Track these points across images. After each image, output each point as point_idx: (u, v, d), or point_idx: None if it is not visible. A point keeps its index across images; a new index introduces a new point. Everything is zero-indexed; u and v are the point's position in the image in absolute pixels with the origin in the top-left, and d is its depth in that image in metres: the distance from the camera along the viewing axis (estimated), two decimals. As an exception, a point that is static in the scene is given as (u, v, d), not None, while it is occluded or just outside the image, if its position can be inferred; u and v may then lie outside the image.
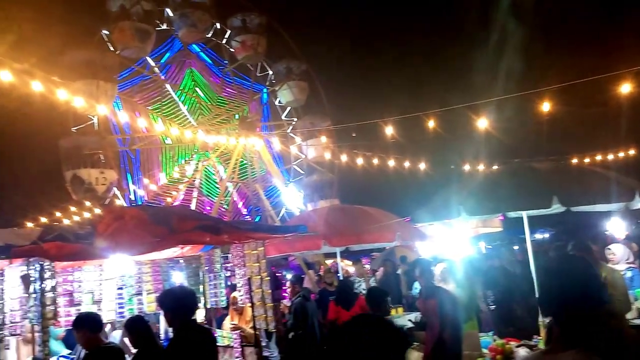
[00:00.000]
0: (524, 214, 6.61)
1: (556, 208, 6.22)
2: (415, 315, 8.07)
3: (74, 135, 21.75)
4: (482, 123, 8.21)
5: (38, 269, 5.45)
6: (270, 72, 27.60)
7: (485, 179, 8.08)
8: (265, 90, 28.04)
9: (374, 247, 13.62)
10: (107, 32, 22.99)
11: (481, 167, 9.98)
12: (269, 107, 28.71)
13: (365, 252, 16.35)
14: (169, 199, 24.92)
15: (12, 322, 6.47)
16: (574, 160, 10.38)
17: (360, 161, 12.84)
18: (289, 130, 28.06)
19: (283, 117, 28.57)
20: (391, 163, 12.38)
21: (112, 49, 22.89)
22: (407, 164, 12.26)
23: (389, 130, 9.39)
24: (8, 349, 6.77)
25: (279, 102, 28.17)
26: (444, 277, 7.13)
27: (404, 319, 8.23)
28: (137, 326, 5.08)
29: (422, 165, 12.12)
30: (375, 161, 12.69)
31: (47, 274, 5.49)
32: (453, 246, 10.07)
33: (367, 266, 15.56)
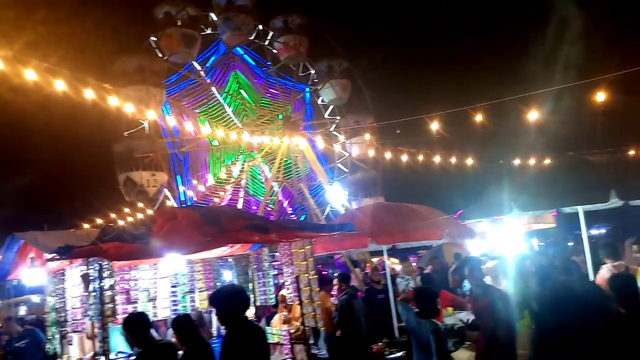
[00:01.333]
0: (580, 209, 6.36)
1: (614, 202, 5.97)
2: (465, 314, 7.90)
3: (126, 140, 22.59)
4: (533, 115, 7.90)
5: (97, 268, 5.65)
6: (312, 72, 27.71)
7: (538, 174, 7.82)
8: (307, 89, 28.19)
9: (421, 245, 13.42)
10: (154, 39, 23.73)
11: (533, 161, 9.61)
12: (311, 106, 28.90)
13: (412, 250, 16.16)
14: (216, 199, 25.49)
15: (73, 320, 6.78)
16: (632, 152, 9.87)
17: (404, 158, 12.61)
18: (332, 129, 28.10)
19: (326, 116, 28.64)
20: (437, 159, 12.10)
21: (160, 55, 23.62)
22: (453, 159, 11.94)
23: (435, 126, 9.19)
24: (71, 344, 7.11)
25: (322, 101, 28.25)
26: (494, 275, 6.95)
27: (454, 317, 8.07)
28: (183, 325, 5.19)
29: (470, 161, 11.78)
30: (421, 158, 12.43)
31: (105, 273, 5.67)
32: (504, 243, 9.80)
33: (414, 264, 15.37)
